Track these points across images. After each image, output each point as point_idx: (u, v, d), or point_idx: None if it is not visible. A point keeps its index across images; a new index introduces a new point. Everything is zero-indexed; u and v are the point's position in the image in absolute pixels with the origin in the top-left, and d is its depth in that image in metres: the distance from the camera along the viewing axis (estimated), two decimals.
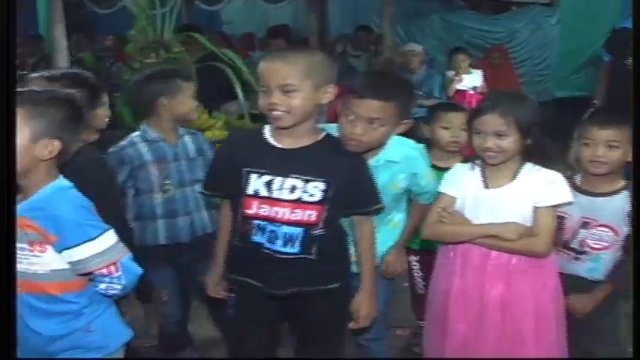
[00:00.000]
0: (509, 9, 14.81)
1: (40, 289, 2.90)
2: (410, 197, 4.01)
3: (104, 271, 2.87)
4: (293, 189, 3.32)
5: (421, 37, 12.70)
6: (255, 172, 3.37)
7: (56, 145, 2.86)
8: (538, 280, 3.61)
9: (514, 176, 3.60)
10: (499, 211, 3.60)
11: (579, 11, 13.76)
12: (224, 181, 3.51)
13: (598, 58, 9.15)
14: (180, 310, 4.55)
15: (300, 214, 3.33)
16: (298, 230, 3.35)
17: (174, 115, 4.35)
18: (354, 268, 3.63)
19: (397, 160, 3.75)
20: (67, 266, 2.88)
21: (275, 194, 3.34)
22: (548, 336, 3.61)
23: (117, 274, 2.89)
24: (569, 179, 3.78)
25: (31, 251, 2.87)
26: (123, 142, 4.34)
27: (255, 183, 3.36)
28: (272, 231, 3.36)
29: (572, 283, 3.78)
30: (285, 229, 3.35)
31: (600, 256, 3.81)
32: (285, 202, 3.33)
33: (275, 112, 3.26)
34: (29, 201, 2.89)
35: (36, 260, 2.87)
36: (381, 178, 3.66)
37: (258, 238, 3.40)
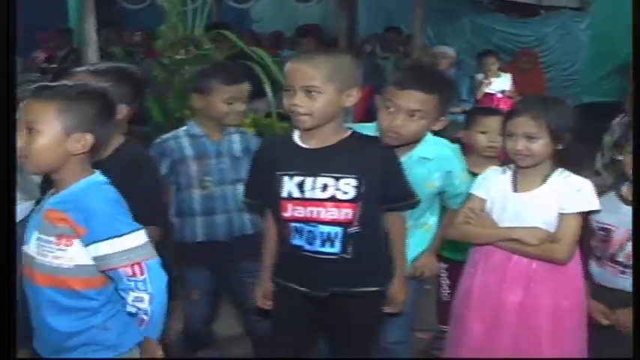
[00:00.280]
0: (538, 13, 14.77)
1: (61, 284, 2.89)
2: (442, 202, 3.99)
3: (128, 270, 2.83)
4: (325, 187, 3.33)
5: (450, 39, 12.67)
6: (287, 175, 3.39)
7: (89, 139, 2.87)
8: (558, 285, 3.60)
9: (543, 181, 3.59)
10: (524, 216, 3.60)
11: (609, 16, 13.69)
12: (261, 186, 3.54)
13: (627, 64, 9.09)
14: (208, 310, 4.54)
15: (336, 213, 3.34)
16: (336, 229, 3.36)
17: (206, 115, 4.32)
18: None
19: (430, 157, 3.75)
20: (91, 262, 2.86)
21: (308, 194, 3.36)
22: (565, 341, 3.60)
23: (141, 277, 2.84)
24: (616, 190, 3.76)
25: (57, 245, 2.85)
26: (167, 135, 4.37)
27: (288, 185, 3.39)
28: (309, 231, 3.38)
29: (620, 298, 3.70)
30: (322, 228, 3.36)
31: None
32: (319, 201, 3.35)
33: (296, 114, 3.29)
34: (61, 194, 2.90)
35: (61, 254, 2.86)
36: (414, 176, 3.65)
37: (297, 240, 3.42)
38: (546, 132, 3.49)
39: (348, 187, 3.32)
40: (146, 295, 2.86)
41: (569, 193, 3.54)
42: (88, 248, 2.84)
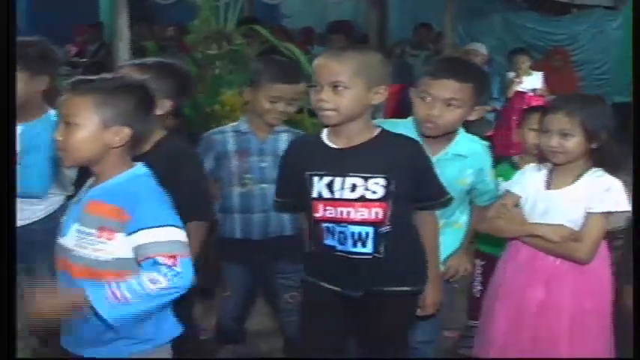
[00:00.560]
0: (570, 11, 14.68)
1: (96, 276, 2.87)
2: (471, 199, 3.97)
3: (167, 260, 2.80)
4: (354, 187, 3.30)
5: (481, 37, 12.61)
6: (316, 175, 3.37)
7: (126, 132, 2.87)
8: (581, 285, 3.58)
9: (575, 180, 3.58)
10: (552, 213, 3.60)
11: None
12: (291, 186, 3.53)
13: None
14: (241, 307, 4.52)
15: (366, 213, 3.31)
16: (367, 229, 3.33)
17: (252, 110, 4.28)
18: None
19: (465, 154, 3.74)
20: (130, 255, 2.86)
21: (337, 195, 3.33)
22: (585, 342, 3.57)
23: (177, 270, 2.81)
24: None
25: (99, 237, 2.85)
26: (215, 129, 4.38)
27: (318, 185, 3.37)
28: (341, 232, 3.35)
29: None
30: (353, 228, 3.33)
31: None
32: (349, 201, 3.32)
33: (322, 109, 3.27)
34: (103, 185, 2.91)
35: (102, 247, 2.86)
36: (448, 173, 3.64)
37: (329, 241, 3.39)
38: (580, 130, 3.47)
39: (376, 186, 3.29)
40: (180, 281, 2.82)
41: (597, 193, 3.52)
42: (130, 237, 2.83)
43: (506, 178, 4.10)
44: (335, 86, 3.23)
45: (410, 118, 3.81)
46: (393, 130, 3.53)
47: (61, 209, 3.61)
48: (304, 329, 3.70)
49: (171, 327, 3.11)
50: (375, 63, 3.33)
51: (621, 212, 3.56)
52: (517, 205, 3.70)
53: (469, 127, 3.87)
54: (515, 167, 4.36)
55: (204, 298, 5.13)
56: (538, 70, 9.84)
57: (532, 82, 9.55)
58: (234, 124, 4.35)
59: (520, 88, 9.47)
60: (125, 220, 2.82)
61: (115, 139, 2.86)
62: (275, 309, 4.55)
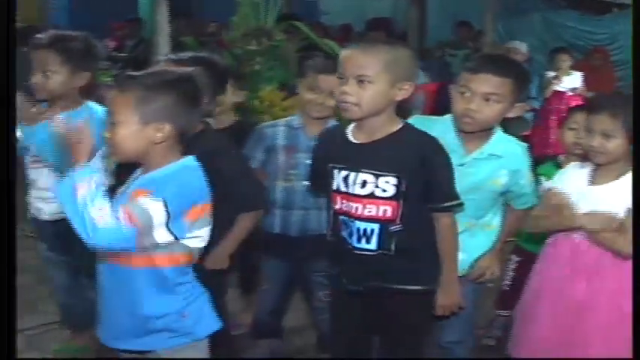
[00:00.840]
0: (610, 10, 14.55)
1: (147, 262, 2.92)
2: (506, 201, 3.90)
3: (124, 214, 2.76)
4: (364, 184, 3.30)
5: (521, 36, 12.53)
6: (337, 168, 3.38)
7: (167, 128, 2.88)
8: (622, 284, 3.54)
9: (617, 177, 3.56)
10: (594, 209, 3.58)
11: None
12: (319, 177, 3.53)
13: None
14: (276, 301, 4.53)
15: (374, 210, 3.30)
16: (374, 226, 3.32)
17: (300, 102, 4.29)
18: None
19: (501, 155, 3.67)
20: (171, 239, 2.89)
21: (350, 189, 3.34)
22: (620, 343, 3.52)
23: (116, 227, 2.74)
24: None
25: None
26: (269, 122, 4.42)
27: (337, 178, 3.37)
28: (350, 226, 3.37)
29: None
30: (359, 224, 3.34)
31: None
32: (359, 197, 3.32)
33: (345, 102, 3.23)
34: (148, 175, 2.93)
35: None
36: (481, 172, 3.64)
37: (343, 233, 3.41)
38: (623, 131, 3.46)
39: (387, 185, 3.27)
40: (102, 221, 2.72)
41: None
42: (170, 224, 2.86)
43: (550, 177, 4.09)
44: (360, 80, 3.19)
45: (449, 115, 3.76)
46: (431, 127, 3.53)
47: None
48: (330, 323, 3.76)
49: (210, 321, 3.13)
50: (402, 59, 3.29)
51: None
52: (562, 199, 3.68)
53: (507, 126, 3.84)
54: (560, 167, 4.33)
55: (243, 293, 5.17)
56: (578, 69, 9.78)
57: (571, 81, 9.49)
58: (289, 118, 4.36)
59: (559, 87, 9.41)
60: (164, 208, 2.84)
61: (157, 135, 2.88)
62: (310, 306, 4.56)
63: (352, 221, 3.35)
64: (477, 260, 3.84)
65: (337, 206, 3.40)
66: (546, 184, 4.00)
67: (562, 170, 3.88)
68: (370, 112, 3.25)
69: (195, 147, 3.14)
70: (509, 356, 3.95)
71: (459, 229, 3.56)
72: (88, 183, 2.76)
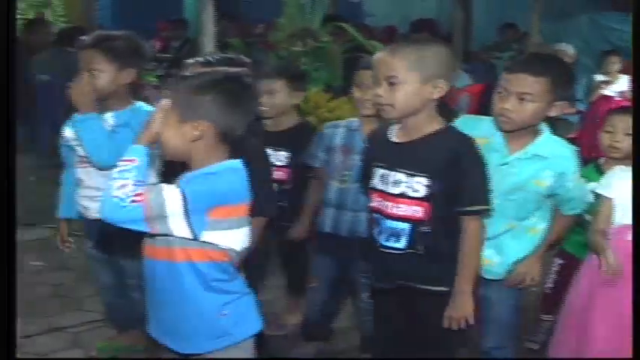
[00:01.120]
0: None
1: (188, 257, 2.94)
2: (554, 206, 3.82)
3: (137, 195, 2.82)
4: (397, 183, 3.31)
5: (566, 37, 12.42)
6: (377, 166, 3.40)
7: (205, 126, 2.91)
8: None
9: None
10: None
11: None
12: (367, 177, 3.52)
13: None
14: (326, 300, 4.53)
15: (405, 209, 3.30)
16: (404, 225, 3.31)
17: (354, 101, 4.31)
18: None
19: (545, 156, 3.63)
20: (188, 234, 2.90)
21: (385, 188, 3.35)
22: None
23: (131, 203, 2.80)
24: None
25: None
26: (331, 123, 4.47)
27: (376, 176, 3.40)
28: (381, 224, 3.38)
29: None
30: (389, 223, 3.34)
31: None
32: (392, 195, 3.33)
33: (380, 104, 3.27)
34: (190, 173, 2.95)
35: None
36: (525, 172, 3.61)
37: (374, 230, 3.44)
38: None
39: (419, 185, 3.27)
40: (120, 194, 2.80)
41: None
42: (190, 218, 2.87)
43: (591, 180, 4.06)
44: (390, 82, 3.20)
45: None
46: (478, 127, 3.55)
47: None
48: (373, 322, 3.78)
49: (251, 323, 3.13)
50: (432, 56, 3.25)
51: None
52: (611, 210, 3.64)
53: (551, 128, 3.80)
54: (600, 170, 4.29)
55: (288, 294, 5.18)
56: (624, 72, 9.68)
57: (620, 85, 9.40)
58: (350, 120, 4.39)
59: (607, 91, 9.32)
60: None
61: (194, 134, 2.91)
62: (355, 306, 4.56)
63: (383, 219, 3.36)
64: (515, 264, 3.78)
65: (373, 204, 3.43)
66: (590, 186, 3.95)
67: (608, 174, 3.84)
68: (405, 112, 3.27)
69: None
70: None
71: (499, 230, 3.59)
72: (132, 161, 2.86)
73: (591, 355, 3.67)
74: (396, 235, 3.34)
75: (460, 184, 3.27)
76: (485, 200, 3.33)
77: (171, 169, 3.13)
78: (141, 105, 4.10)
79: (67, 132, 4.13)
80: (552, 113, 3.64)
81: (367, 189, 3.54)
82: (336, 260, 4.39)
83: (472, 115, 4.34)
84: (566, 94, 3.64)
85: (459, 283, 3.34)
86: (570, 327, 3.83)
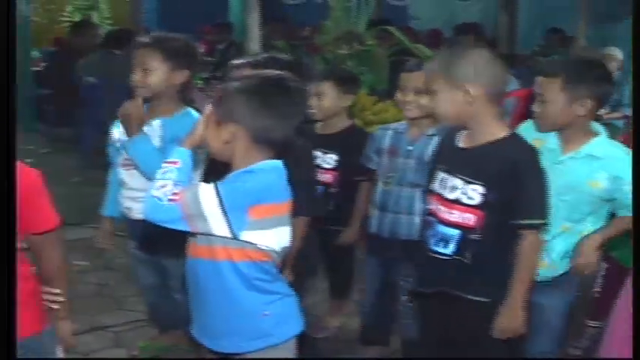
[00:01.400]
0: None
1: (227, 255, 2.94)
2: (613, 210, 3.75)
3: (174, 194, 2.87)
4: (454, 188, 3.29)
5: (612, 42, 12.31)
6: (439, 169, 3.40)
7: (236, 130, 2.92)
8: None
9: None
10: None
11: None
12: (429, 177, 3.52)
13: None
14: (375, 302, 4.53)
15: (457, 216, 3.29)
16: (454, 232, 3.30)
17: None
18: None
19: (599, 156, 3.59)
20: (228, 233, 2.90)
21: (442, 192, 3.34)
22: None
23: (168, 203, 2.85)
24: None
25: None
26: (383, 125, 4.53)
27: (437, 179, 3.40)
28: (434, 228, 3.37)
29: None
30: (441, 227, 3.33)
31: None
32: (447, 201, 3.32)
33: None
34: (230, 174, 2.95)
35: None
36: (578, 172, 3.58)
37: (427, 233, 3.43)
38: None
39: (474, 193, 3.24)
40: (160, 194, 2.87)
41: None
42: (230, 217, 2.88)
43: None
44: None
45: None
46: (533, 130, 3.58)
47: None
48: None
49: (292, 324, 3.12)
50: (459, 62, 3.26)
51: None
52: None
53: None
54: None
55: (331, 297, 5.17)
56: None
57: None
58: (399, 123, 4.41)
59: None
60: None
61: (226, 136, 2.94)
62: (395, 310, 4.54)
63: (436, 223, 3.35)
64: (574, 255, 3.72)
65: (430, 207, 3.42)
66: None
67: None
68: (449, 119, 3.35)
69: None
70: None
71: (552, 232, 3.53)
72: (175, 163, 2.93)
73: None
74: (445, 240, 3.32)
75: (517, 196, 3.22)
76: (542, 214, 3.28)
77: (220, 170, 3.14)
78: (189, 112, 4.11)
79: (114, 133, 4.17)
80: (580, 113, 3.60)
81: (428, 191, 3.52)
82: (381, 261, 4.40)
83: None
84: (588, 90, 3.60)
85: (513, 295, 3.29)
86: (620, 336, 3.77)
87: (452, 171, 3.32)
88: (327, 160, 4.60)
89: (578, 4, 9.80)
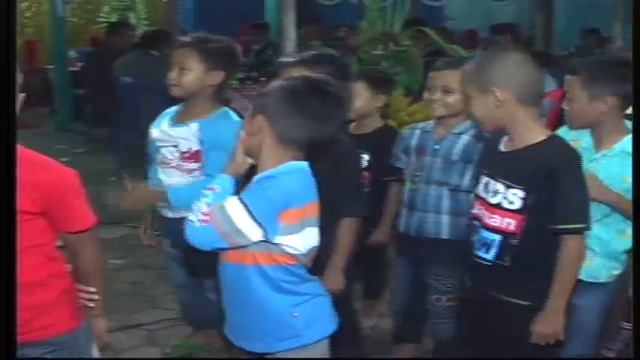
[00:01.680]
0: None
1: (251, 260, 2.95)
2: None
3: (204, 217, 2.90)
4: (495, 193, 3.27)
5: None
6: (483, 173, 3.39)
7: (262, 123, 2.95)
8: None
9: None
10: None
11: None
12: (475, 181, 3.53)
13: None
14: (407, 301, 4.53)
15: (498, 221, 3.26)
16: (495, 237, 3.28)
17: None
18: None
19: (632, 152, 3.56)
20: (263, 238, 2.91)
21: (485, 196, 3.33)
22: None
23: (202, 226, 2.89)
24: None
25: None
26: (413, 124, 4.53)
27: (481, 183, 3.38)
28: (478, 232, 3.36)
29: None
30: (483, 232, 3.32)
31: None
32: (489, 205, 3.30)
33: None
34: (256, 177, 2.96)
35: None
36: (609, 168, 3.57)
37: (473, 237, 3.40)
38: None
39: (515, 197, 3.21)
40: (194, 219, 2.92)
41: None
42: (263, 224, 2.88)
43: None
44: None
45: None
46: (568, 131, 3.59)
47: None
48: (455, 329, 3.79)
49: (324, 325, 3.12)
50: (488, 66, 3.26)
51: None
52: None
53: None
54: None
55: (365, 296, 5.17)
56: None
57: None
58: (427, 122, 4.40)
59: None
60: None
61: (254, 127, 2.97)
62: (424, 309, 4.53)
63: (480, 228, 3.33)
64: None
65: (474, 211, 3.42)
66: None
67: None
68: (488, 123, 3.33)
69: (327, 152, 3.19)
70: None
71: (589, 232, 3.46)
72: (213, 189, 2.95)
73: None
74: (487, 245, 3.31)
75: (557, 200, 3.16)
76: (583, 219, 3.21)
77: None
78: (227, 111, 4.15)
79: (153, 132, 4.20)
80: (605, 109, 3.62)
81: (474, 195, 3.51)
82: (410, 261, 4.41)
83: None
84: (609, 90, 3.59)
85: (553, 300, 3.24)
86: None
87: (494, 175, 3.31)
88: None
89: (614, 5, 9.69)
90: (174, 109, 4.25)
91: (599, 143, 3.67)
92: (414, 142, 4.28)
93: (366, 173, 4.53)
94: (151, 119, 4.30)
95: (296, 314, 3.01)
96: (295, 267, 3.00)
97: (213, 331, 4.33)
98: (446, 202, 4.11)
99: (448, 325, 4.07)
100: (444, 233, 4.15)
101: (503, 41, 9.87)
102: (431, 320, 4.39)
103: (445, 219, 4.13)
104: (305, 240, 3.00)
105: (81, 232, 2.94)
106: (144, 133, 4.34)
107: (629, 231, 3.65)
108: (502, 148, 3.35)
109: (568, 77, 3.67)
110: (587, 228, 3.24)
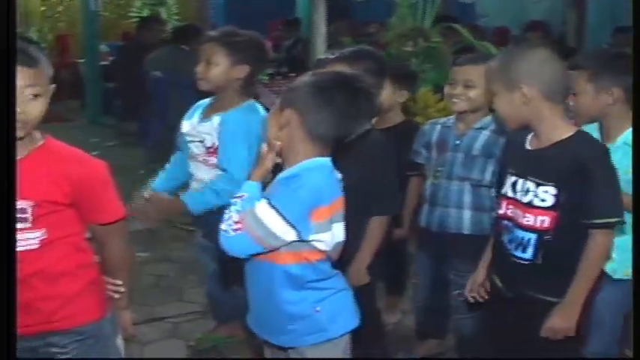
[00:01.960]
0: None
1: (278, 257, 2.94)
2: None
3: (237, 224, 2.88)
4: (527, 192, 3.25)
5: None
6: (510, 173, 3.36)
7: (290, 115, 2.93)
8: None
9: None
10: None
11: None
12: (499, 181, 3.51)
13: None
14: (424, 297, 4.55)
15: (531, 219, 3.23)
16: (531, 236, 3.24)
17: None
18: None
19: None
20: (297, 237, 2.90)
21: (515, 195, 3.30)
22: None
23: (234, 232, 2.88)
24: None
25: None
26: (433, 119, 4.55)
27: (507, 183, 3.36)
28: (512, 232, 3.32)
29: None
30: (518, 232, 3.28)
31: None
32: (521, 204, 3.27)
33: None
34: (280, 175, 2.97)
35: None
36: (616, 161, 3.43)
37: (504, 237, 3.37)
38: None
39: (546, 194, 3.18)
40: (226, 227, 2.91)
41: None
42: (295, 225, 2.87)
43: None
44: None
45: None
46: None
47: None
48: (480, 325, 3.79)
49: (347, 319, 3.12)
50: (514, 63, 3.22)
51: None
52: None
53: None
54: None
55: (388, 292, 5.16)
56: None
57: None
58: (447, 117, 4.40)
59: None
60: None
61: (283, 120, 2.95)
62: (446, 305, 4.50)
63: (515, 228, 3.30)
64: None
65: (501, 211, 3.38)
66: None
67: None
68: (512, 121, 3.31)
69: (360, 143, 3.18)
70: None
71: None
72: (242, 196, 2.93)
73: None
74: (523, 245, 3.27)
75: (588, 194, 3.13)
76: (614, 212, 3.16)
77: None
78: (252, 104, 4.17)
79: (184, 125, 4.24)
80: (610, 102, 3.65)
81: (499, 195, 3.48)
82: (431, 256, 4.41)
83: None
84: (615, 82, 3.63)
85: (573, 294, 3.20)
86: None
87: (522, 174, 3.28)
88: None
89: None
90: (206, 101, 4.27)
91: (607, 137, 3.68)
92: (434, 137, 4.28)
93: None
94: (181, 114, 4.33)
95: (318, 309, 3.00)
96: (321, 262, 3.00)
97: (237, 324, 4.35)
98: (467, 197, 4.11)
99: (470, 321, 4.09)
100: (466, 228, 4.15)
101: (534, 37, 9.82)
102: (453, 316, 4.39)
103: (467, 214, 4.13)
104: (334, 236, 3.00)
105: (110, 224, 2.95)
106: (173, 128, 4.35)
107: None
108: (528, 146, 3.32)
109: (575, 72, 3.66)
110: (622, 222, 3.21)
